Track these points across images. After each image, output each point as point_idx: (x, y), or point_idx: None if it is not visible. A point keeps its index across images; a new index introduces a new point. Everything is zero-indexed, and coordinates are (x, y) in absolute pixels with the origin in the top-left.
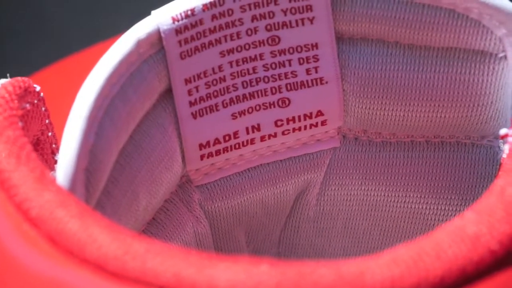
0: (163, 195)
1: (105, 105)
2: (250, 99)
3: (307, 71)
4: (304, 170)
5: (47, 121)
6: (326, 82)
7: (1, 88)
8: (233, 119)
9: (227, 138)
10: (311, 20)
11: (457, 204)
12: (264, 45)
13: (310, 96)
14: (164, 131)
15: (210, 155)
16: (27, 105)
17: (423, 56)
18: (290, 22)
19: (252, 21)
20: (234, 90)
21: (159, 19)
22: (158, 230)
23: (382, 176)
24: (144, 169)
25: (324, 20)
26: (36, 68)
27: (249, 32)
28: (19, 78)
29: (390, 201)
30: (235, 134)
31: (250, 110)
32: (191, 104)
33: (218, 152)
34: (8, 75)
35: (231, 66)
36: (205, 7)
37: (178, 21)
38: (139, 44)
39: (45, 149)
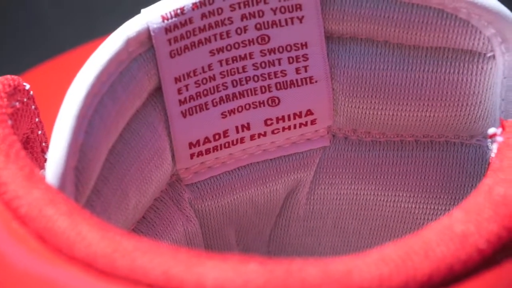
0: (153, 193)
1: (95, 103)
2: (240, 98)
3: (297, 70)
4: (294, 169)
5: (37, 119)
6: (316, 81)
7: None
8: (223, 118)
9: (216, 137)
10: (301, 19)
11: (446, 203)
12: (253, 44)
13: (299, 95)
14: (153, 129)
15: (200, 154)
16: (17, 104)
17: (412, 55)
18: (279, 21)
19: (242, 20)
20: (224, 89)
21: (148, 18)
22: (148, 228)
23: (371, 175)
24: (133, 167)
25: (313, 19)
26: (26, 67)
27: (239, 31)
28: (8, 76)
29: (380, 200)
30: (225, 133)
31: (239, 109)
32: (181, 102)
33: (208, 151)
34: None
35: (221, 65)
36: (195, 6)
37: (167, 19)
38: (129, 42)
39: (34, 147)
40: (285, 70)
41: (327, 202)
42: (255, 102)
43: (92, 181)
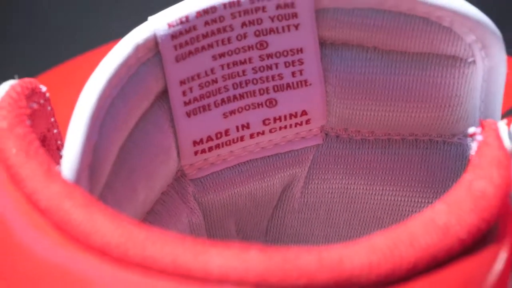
0: (160, 188)
1: (107, 105)
2: (240, 99)
3: (293, 74)
4: (289, 165)
5: (52, 119)
6: (310, 84)
7: (10, 88)
8: (224, 118)
9: (218, 135)
10: (296, 27)
11: (429, 197)
12: (253, 49)
13: (295, 97)
14: (160, 129)
15: (203, 151)
16: (35, 105)
17: (399, 60)
18: (277, 28)
19: (242, 27)
20: (225, 91)
21: (155, 25)
22: (155, 220)
23: (361, 171)
24: (142, 164)
25: (308, 26)
26: (42, 70)
27: (239, 37)
28: (26, 79)
29: (368, 193)
30: (226, 131)
31: (240, 109)
32: (186, 104)
33: (210, 149)
34: (16, 76)
35: (223, 69)
36: (199, 14)
37: (173, 26)
38: (138, 48)
39: (51, 145)
40: (281, 74)
41: (320, 196)
42: (254, 103)
43: (104, 177)
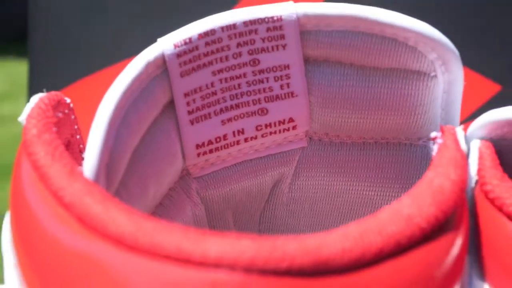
0: (167, 184)
1: (121, 115)
2: (236, 109)
3: (281, 87)
4: (279, 165)
5: (75, 126)
6: (296, 95)
7: (39, 100)
8: (223, 124)
9: (218, 139)
10: (284, 46)
11: (398, 191)
12: (246, 66)
13: (283, 107)
14: (168, 134)
15: (204, 153)
16: (60, 114)
17: (372, 75)
18: (267, 47)
19: (237, 47)
20: (223, 102)
21: (163, 45)
22: (163, 212)
23: (340, 170)
24: (152, 165)
25: (294, 46)
26: (66, 84)
27: (235, 55)
28: (53, 92)
29: (347, 189)
30: (224, 136)
31: (236, 117)
32: (189, 113)
33: (211, 151)
34: (44, 90)
35: (221, 83)
36: (200, 36)
37: (178, 47)
38: (148, 65)
39: (74, 148)
40: (271, 87)
41: (305, 191)
42: (248, 112)
43: (119, 176)
